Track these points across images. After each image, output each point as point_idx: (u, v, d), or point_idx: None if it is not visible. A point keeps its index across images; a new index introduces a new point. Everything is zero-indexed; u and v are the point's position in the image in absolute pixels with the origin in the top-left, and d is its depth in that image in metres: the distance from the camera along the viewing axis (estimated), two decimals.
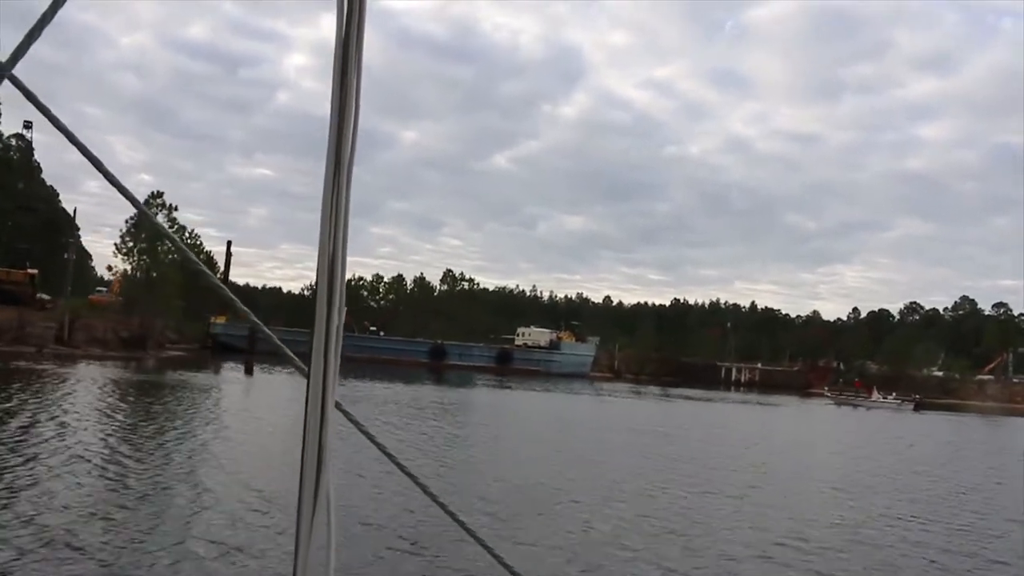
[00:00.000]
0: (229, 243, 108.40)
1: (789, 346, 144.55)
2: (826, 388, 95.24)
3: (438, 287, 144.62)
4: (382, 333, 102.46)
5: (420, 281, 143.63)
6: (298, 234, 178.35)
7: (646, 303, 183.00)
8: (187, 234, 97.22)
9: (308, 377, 1.28)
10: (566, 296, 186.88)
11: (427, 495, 1.62)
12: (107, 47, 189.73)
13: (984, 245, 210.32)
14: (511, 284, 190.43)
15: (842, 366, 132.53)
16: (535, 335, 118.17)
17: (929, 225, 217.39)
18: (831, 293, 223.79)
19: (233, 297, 1.44)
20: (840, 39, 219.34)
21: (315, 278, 1.33)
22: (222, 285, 1.45)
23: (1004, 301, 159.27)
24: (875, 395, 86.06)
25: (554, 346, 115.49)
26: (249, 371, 64.81)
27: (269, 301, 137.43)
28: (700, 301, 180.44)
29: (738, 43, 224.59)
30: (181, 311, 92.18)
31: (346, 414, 1.41)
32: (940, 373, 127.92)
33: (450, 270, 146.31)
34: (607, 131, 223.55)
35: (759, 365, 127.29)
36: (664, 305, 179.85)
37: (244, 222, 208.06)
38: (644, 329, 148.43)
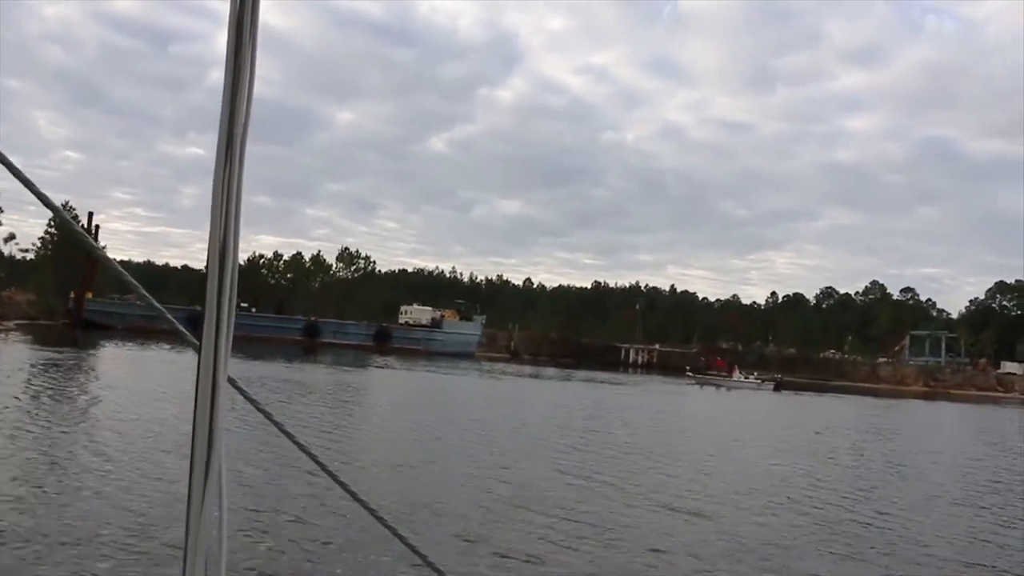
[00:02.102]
0: (90, 214, 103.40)
1: (703, 329, 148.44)
2: (688, 368, 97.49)
3: (335, 265, 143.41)
4: (253, 310, 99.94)
5: (316, 259, 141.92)
6: None
7: (569, 286, 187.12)
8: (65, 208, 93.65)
9: (199, 351, 1.32)
10: (487, 278, 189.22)
11: (320, 467, 1.68)
12: (30, 17, 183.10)
13: (910, 235, 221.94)
14: (430, 265, 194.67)
15: (741, 348, 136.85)
16: (416, 313, 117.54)
17: (857, 215, 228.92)
18: (762, 279, 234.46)
19: (121, 270, 1.47)
20: (774, 29, 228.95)
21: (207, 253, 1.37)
22: (110, 259, 1.47)
23: (911, 286, 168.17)
24: (736, 375, 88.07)
25: (436, 325, 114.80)
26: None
27: (183, 279, 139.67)
28: (621, 284, 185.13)
29: (675, 30, 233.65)
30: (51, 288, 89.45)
31: (239, 389, 1.45)
32: (839, 356, 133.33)
33: (347, 248, 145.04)
34: (544, 116, 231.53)
35: (657, 347, 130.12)
36: (586, 288, 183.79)
37: (177, 202, 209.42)
38: (544, 311, 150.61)
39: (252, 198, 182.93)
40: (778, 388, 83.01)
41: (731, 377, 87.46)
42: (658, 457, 26.84)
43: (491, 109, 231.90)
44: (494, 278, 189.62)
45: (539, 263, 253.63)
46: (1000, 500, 23.59)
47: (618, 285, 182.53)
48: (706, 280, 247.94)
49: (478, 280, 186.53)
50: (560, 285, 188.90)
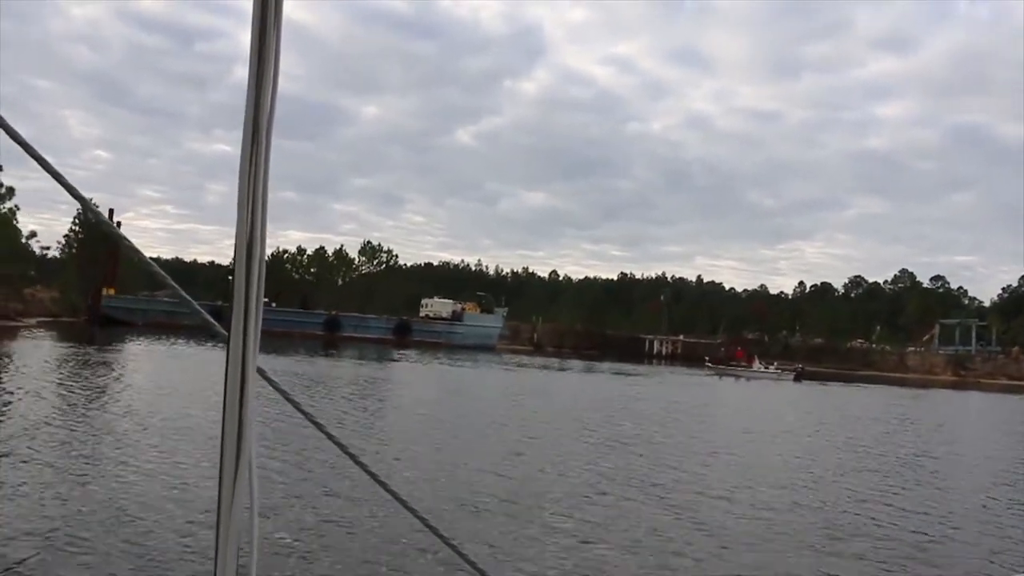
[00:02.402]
0: (111, 211, 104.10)
1: (729, 320, 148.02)
2: (707, 359, 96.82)
3: (358, 259, 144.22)
4: (274, 304, 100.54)
5: (339, 254, 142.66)
6: None
7: (595, 277, 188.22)
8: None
9: (228, 343, 1.35)
10: (512, 270, 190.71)
11: (350, 458, 1.70)
12: (57, 17, 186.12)
13: (941, 223, 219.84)
14: (455, 259, 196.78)
15: (767, 338, 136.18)
16: (437, 306, 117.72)
17: (886, 203, 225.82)
18: (791, 269, 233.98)
19: (152, 263, 1.50)
20: (799, 17, 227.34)
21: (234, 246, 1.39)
22: (140, 252, 1.50)
23: (941, 274, 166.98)
24: (756, 365, 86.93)
25: (457, 317, 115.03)
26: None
27: (211, 275, 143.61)
28: (647, 275, 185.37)
29: (699, 20, 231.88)
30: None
31: (268, 380, 1.47)
32: (870, 345, 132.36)
33: (369, 242, 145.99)
34: (568, 107, 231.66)
35: (681, 338, 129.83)
36: (612, 279, 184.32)
37: (204, 199, 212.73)
38: (569, 303, 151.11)
39: (278, 193, 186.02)
40: (799, 378, 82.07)
41: (751, 367, 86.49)
42: (658, 448, 26.77)
43: (515, 101, 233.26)
44: (519, 270, 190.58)
45: (566, 255, 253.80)
46: (1011, 492, 23.26)
47: (644, 276, 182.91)
48: (735, 271, 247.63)
49: (503, 273, 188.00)
50: (586, 277, 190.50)
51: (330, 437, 1.66)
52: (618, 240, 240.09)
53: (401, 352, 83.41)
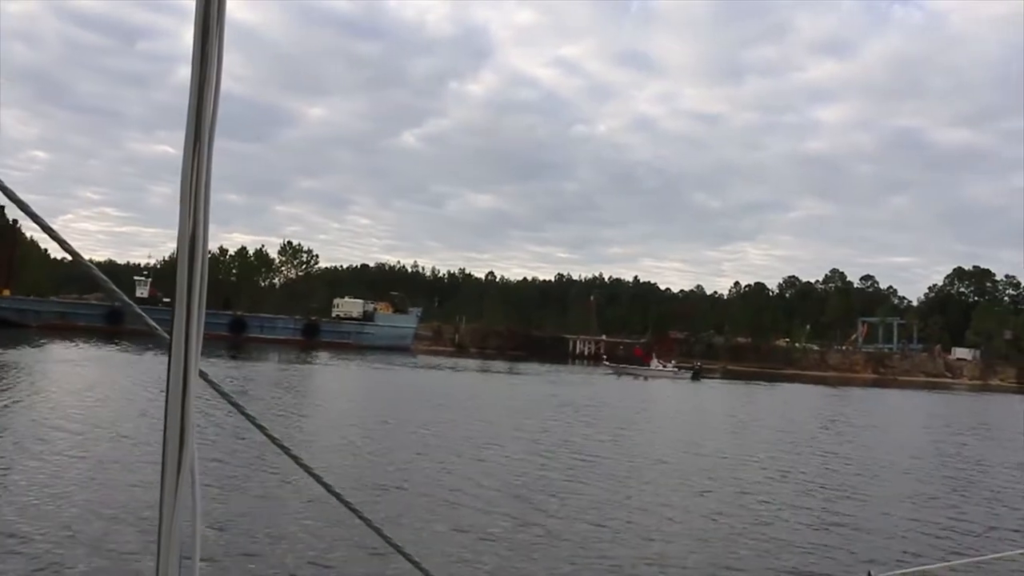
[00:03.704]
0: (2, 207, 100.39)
1: (657, 319, 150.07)
2: (605, 358, 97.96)
3: (278, 260, 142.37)
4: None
5: (260, 254, 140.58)
6: None
7: (533, 279, 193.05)
8: None
9: (170, 346, 1.36)
10: (449, 272, 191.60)
11: (293, 460, 1.72)
12: None
13: (881, 225, 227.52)
14: (391, 260, 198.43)
15: (692, 337, 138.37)
16: (347, 306, 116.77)
17: (829, 205, 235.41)
18: (736, 271, 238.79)
19: (91, 265, 1.50)
20: (743, 21, 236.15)
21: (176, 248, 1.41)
22: (79, 255, 1.50)
23: (872, 275, 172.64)
24: (653, 363, 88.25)
25: (368, 317, 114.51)
26: None
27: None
28: (586, 276, 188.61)
29: (644, 23, 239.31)
30: None
31: (211, 383, 1.48)
32: (794, 344, 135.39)
33: (289, 242, 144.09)
34: (515, 110, 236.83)
35: (603, 337, 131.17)
36: (549, 280, 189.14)
37: (146, 201, 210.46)
38: (503, 304, 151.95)
39: (223, 195, 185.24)
40: (696, 377, 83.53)
41: (648, 366, 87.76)
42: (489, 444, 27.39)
43: (462, 103, 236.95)
44: (456, 272, 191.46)
45: (512, 257, 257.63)
46: (860, 483, 24.17)
47: (582, 278, 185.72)
48: (680, 272, 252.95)
49: (440, 274, 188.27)
50: (524, 278, 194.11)
51: (272, 439, 1.68)
52: (564, 242, 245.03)
53: (310, 354, 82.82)
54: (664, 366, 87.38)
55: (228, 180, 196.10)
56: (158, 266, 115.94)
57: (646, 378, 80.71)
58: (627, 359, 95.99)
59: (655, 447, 29.74)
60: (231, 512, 15.08)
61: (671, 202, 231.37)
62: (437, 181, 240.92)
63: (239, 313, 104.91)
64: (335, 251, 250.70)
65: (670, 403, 52.35)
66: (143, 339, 71.69)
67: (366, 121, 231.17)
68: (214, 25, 1.39)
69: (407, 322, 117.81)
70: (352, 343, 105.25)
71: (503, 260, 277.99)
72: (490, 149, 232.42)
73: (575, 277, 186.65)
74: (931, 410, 61.31)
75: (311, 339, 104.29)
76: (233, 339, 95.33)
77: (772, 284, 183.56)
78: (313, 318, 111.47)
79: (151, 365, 49.24)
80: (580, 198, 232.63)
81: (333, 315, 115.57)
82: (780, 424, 41.66)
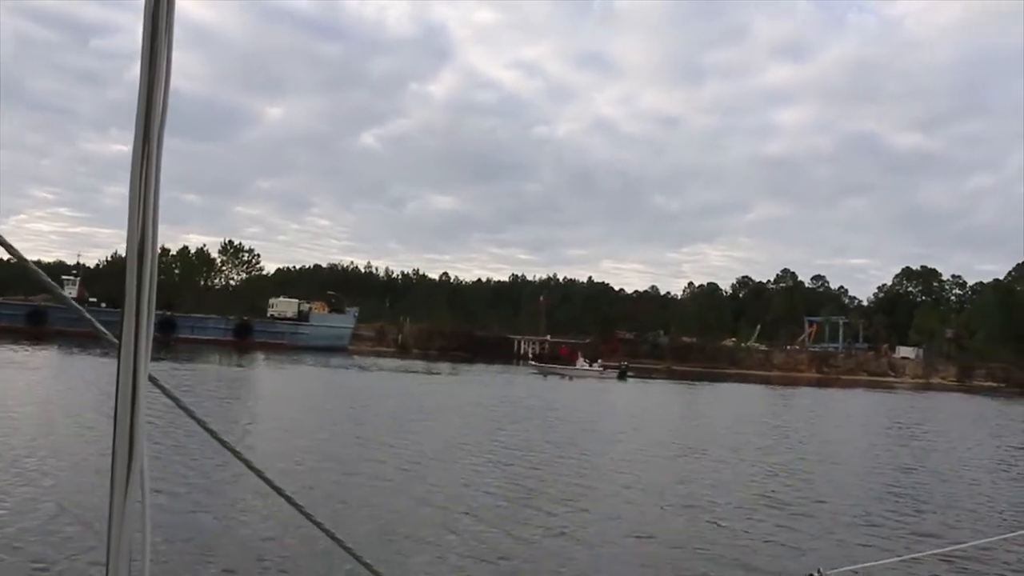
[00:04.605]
0: None
1: (604, 319, 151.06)
2: (531, 357, 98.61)
3: (219, 259, 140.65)
4: (103, 304, 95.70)
5: (200, 254, 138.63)
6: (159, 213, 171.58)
7: (488, 279, 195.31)
8: None
9: (119, 350, 1.36)
10: (402, 272, 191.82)
11: (245, 464, 1.72)
12: None
13: (839, 227, 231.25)
14: (345, 260, 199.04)
15: (636, 337, 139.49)
16: (282, 306, 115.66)
17: (787, 207, 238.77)
18: (695, 272, 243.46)
19: (37, 270, 1.49)
20: (702, 24, 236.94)
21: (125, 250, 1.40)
22: (24, 258, 1.49)
23: (822, 274, 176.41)
24: (579, 363, 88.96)
25: (303, 317, 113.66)
26: None
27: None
28: (540, 277, 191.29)
29: (604, 25, 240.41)
30: None
31: (160, 387, 1.48)
32: (740, 344, 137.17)
33: (231, 241, 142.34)
34: (476, 110, 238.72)
35: (548, 338, 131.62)
36: (504, 281, 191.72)
37: (100, 201, 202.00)
38: (454, 304, 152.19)
39: (181, 196, 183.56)
40: (622, 376, 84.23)
41: (574, 366, 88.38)
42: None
43: (422, 104, 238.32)
44: (410, 272, 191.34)
45: (473, 259, 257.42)
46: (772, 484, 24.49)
47: (536, 278, 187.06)
48: (640, 274, 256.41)
49: (395, 275, 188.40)
50: (479, 279, 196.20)
51: (224, 444, 1.69)
52: (525, 244, 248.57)
53: (242, 355, 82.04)
54: (590, 365, 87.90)
55: (186, 180, 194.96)
56: (88, 265, 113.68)
57: (571, 378, 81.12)
58: (554, 359, 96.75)
59: (569, 447, 29.72)
60: (181, 517, 15.12)
61: (631, 204, 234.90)
62: (397, 182, 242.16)
63: (168, 313, 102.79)
64: (294, 252, 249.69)
65: (585, 402, 52.38)
66: (68, 341, 70.56)
67: (326, 121, 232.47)
68: (163, 23, 1.39)
69: (344, 322, 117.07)
70: (287, 343, 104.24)
71: (464, 261, 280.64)
72: (450, 150, 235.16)
73: (529, 278, 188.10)
74: (867, 409, 62.73)
75: (244, 339, 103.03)
76: (162, 339, 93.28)
77: (716, 283, 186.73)
78: (246, 318, 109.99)
79: (83, 369, 48.31)
80: (541, 200, 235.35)
81: (268, 315, 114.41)
82: (696, 424, 42.69)
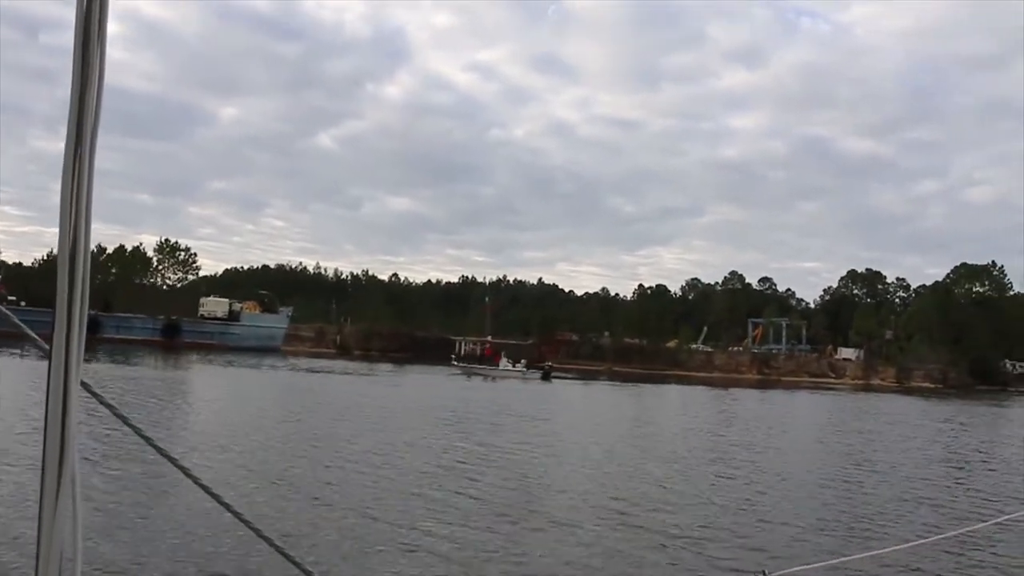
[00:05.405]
0: None
1: (543, 320, 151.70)
2: (453, 357, 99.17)
3: (155, 259, 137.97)
4: (23, 303, 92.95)
5: (136, 252, 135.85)
6: (108, 213, 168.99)
7: (438, 281, 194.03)
8: None
9: (50, 355, 1.34)
10: (352, 273, 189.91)
11: (181, 471, 1.71)
12: None
13: (792, 230, 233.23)
14: (294, 262, 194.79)
15: (577, 338, 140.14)
16: (212, 305, 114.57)
17: (743, 211, 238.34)
18: (651, 275, 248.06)
19: None
20: (659, 28, 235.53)
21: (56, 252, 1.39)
22: None
23: (769, 276, 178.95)
24: (502, 363, 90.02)
25: (234, 317, 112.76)
26: None
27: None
28: (489, 278, 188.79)
29: (561, 28, 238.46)
30: None
31: (93, 393, 1.47)
32: (681, 346, 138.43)
33: (167, 239, 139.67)
34: (432, 112, 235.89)
35: (488, 339, 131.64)
36: (452, 282, 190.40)
37: (49, 200, 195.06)
38: (396, 305, 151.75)
39: (133, 196, 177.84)
40: (546, 377, 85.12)
41: (497, 366, 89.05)
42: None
43: (379, 105, 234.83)
44: (360, 273, 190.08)
45: (428, 260, 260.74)
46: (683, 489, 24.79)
47: (486, 280, 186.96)
48: (596, 276, 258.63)
49: (344, 276, 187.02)
50: (429, 280, 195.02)
51: (158, 450, 1.68)
52: (480, 245, 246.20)
53: (169, 355, 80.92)
54: (513, 366, 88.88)
55: (138, 180, 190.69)
56: (8, 263, 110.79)
57: (494, 378, 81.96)
58: (478, 359, 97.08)
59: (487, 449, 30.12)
60: (114, 523, 15.02)
61: (587, 207, 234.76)
62: (353, 183, 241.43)
63: (92, 312, 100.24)
64: (248, 254, 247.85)
65: (501, 403, 52.50)
66: None
67: (282, 122, 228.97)
68: (95, 19, 1.38)
69: (276, 322, 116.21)
70: (216, 344, 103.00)
71: (419, 263, 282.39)
72: (406, 152, 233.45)
73: (480, 279, 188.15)
74: (806, 409, 63.97)
75: (172, 339, 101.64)
76: (86, 340, 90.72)
77: (665, 285, 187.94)
78: (174, 317, 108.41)
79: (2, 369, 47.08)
80: (497, 202, 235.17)
81: (199, 315, 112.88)
82: (629, 424, 43.65)
